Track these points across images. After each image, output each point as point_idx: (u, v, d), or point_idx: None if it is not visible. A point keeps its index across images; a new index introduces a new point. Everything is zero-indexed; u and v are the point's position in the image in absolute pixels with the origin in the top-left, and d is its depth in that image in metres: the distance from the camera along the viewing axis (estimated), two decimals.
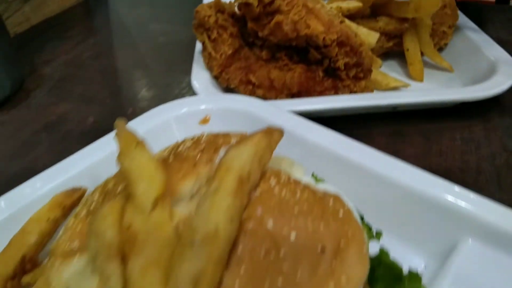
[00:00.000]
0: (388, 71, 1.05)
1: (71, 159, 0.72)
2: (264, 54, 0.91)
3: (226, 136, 0.52)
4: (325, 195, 0.44)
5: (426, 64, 1.06)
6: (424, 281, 0.48)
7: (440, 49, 1.11)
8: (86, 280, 0.38)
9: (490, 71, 0.93)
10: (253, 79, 0.89)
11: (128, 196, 0.40)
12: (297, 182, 0.45)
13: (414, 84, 1.01)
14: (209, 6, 0.95)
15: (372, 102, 0.83)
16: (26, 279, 0.59)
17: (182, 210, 0.41)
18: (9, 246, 0.62)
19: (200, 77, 0.95)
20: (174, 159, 0.47)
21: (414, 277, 0.46)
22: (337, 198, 0.45)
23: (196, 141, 0.51)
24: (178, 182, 0.44)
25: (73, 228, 0.46)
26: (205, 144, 0.50)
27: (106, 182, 0.49)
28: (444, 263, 0.56)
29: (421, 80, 1.02)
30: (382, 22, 1.01)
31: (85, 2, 1.80)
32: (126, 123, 0.47)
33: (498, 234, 0.55)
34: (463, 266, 0.55)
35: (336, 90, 0.88)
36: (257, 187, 0.43)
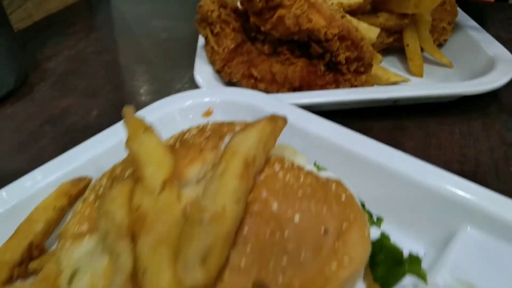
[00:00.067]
0: (388, 66, 1.06)
1: (73, 152, 0.73)
2: (266, 48, 0.92)
3: (230, 124, 0.53)
4: (328, 181, 0.46)
5: (425, 60, 1.07)
6: (423, 268, 0.49)
7: (440, 45, 1.12)
8: (96, 260, 0.39)
9: (489, 67, 0.94)
10: (255, 73, 0.91)
11: (136, 179, 0.41)
12: (300, 168, 0.46)
13: (414, 79, 1.03)
14: (212, 1, 0.96)
15: (373, 95, 0.84)
16: (33, 265, 0.60)
17: (189, 193, 0.42)
18: (16, 234, 0.63)
19: (202, 71, 0.96)
20: (181, 146, 0.49)
21: (415, 260, 0.47)
22: (339, 183, 0.46)
23: (202, 129, 0.53)
24: (185, 167, 0.45)
25: (82, 212, 0.47)
26: (210, 132, 0.51)
27: (113, 168, 0.50)
28: (443, 251, 0.57)
29: (421, 75, 1.03)
30: (383, 18, 1.02)
31: None
32: (134, 110, 0.48)
33: (496, 222, 0.57)
34: (462, 253, 0.56)
35: (337, 84, 0.89)
36: (261, 172, 0.44)
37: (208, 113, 0.80)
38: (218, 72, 0.96)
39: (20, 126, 0.99)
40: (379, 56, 1.05)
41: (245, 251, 0.37)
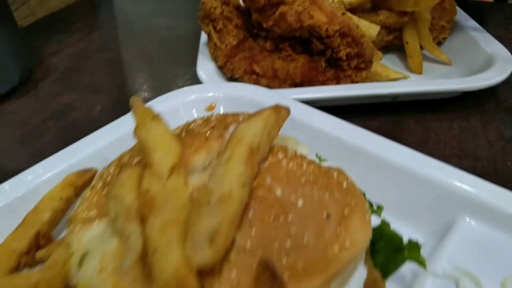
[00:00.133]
0: (388, 64, 1.07)
1: (78, 144, 0.75)
2: (268, 45, 0.94)
3: (235, 115, 0.54)
4: (330, 169, 0.47)
5: (425, 58, 1.08)
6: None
7: (439, 43, 1.14)
8: (106, 242, 0.40)
9: (487, 64, 0.95)
10: (257, 69, 0.92)
11: (145, 165, 0.42)
12: (303, 157, 0.48)
13: (413, 76, 1.04)
14: None
15: (373, 91, 0.85)
16: (40, 254, 0.62)
17: (196, 180, 0.43)
18: (23, 223, 0.64)
19: (205, 67, 0.98)
20: (186, 135, 0.50)
21: (414, 246, 0.48)
22: (340, 172, 0.47)
23: (207, 119, 0.54)
24: (191, 155, 0.46)
25: (90, 199, 0.48)
26: (215, 122, 0.52)
27: (121, 156, 0.52)
28: (442, 241, 0.59)
29: (420, 72, 1.05)
30: (383, 15, 1.03)
31: None
32: (142, 100, 0.49)
33: (494, 213, 0.58)
34: (460, 243, 0.57)
35: (338, 80, 0.90)
36: (265, 160, 0.45)
37: (211, 108, 0.81)
38: (221, 68, 0.97)
39: (25, 121, 1.00)
40: (379, 53, 1.06)
41: (250, 233, 0.38)
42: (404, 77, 1.00)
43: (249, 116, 0.48)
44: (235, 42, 0.94)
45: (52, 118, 1.00)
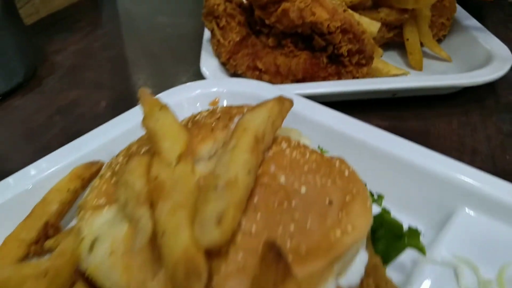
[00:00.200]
0: (389, 60, 1.08)
1: (84, 138, 0.76)
2: (270, 41, 0.95)
3: (239, 107, 0.56)
4: (332, 158, 0.48)
5: (425, 55, 1.10)
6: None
7: (439, 41, 1.15)
8: (116, 227, 0.41)
9: (486, 61, 0.97)
10: (259, 65, 0.93)
11: (153, 153, 0.44)
12: (305, 146, 0.49)
13: (413, 73, 1.05)
14: None
15: (373, 86, 0.87)
16: (48, 243, 0.63)
17: (202, 168, 0.45)
18: (32, 214, 0.66)
19: (208, 63, 0.99)
20: (193, 126, 0.51)
21: (414, 233, 0.50)
22: (342, 161, 0.48)
23: (212, 111, 0.55)
24: (197, 144, 0.48)
25: (99, 188, 0.50)
26: (220, 113, 0.54)
27: (129, 146, 0.53)
28: (441, 230, 0.60)
29: (420, 69, 1.06)
30: (383, 13, 1.05)
31: None
32: (149, 91, 0.51)
33: (493, 203, 0.59)
34: (459, 232, 0.59)
35: (339, 76, 0.92)
36: (270, 149, 0.47)
37: (214, 103, 0.82)
38: (224, 64, 0.99)
39: (31, 117, 1.01)
40: (380, 50, 1.08)
41: (255, 218, 0.39)
42: (405, 73, 1.01)
43: (254, 107, 0.49)
44: (238, 39, 0.95)
45: (57, 114, 1.02)
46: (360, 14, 1.03)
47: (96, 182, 0.51)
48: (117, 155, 0.53)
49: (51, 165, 0.72)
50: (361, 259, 0.43)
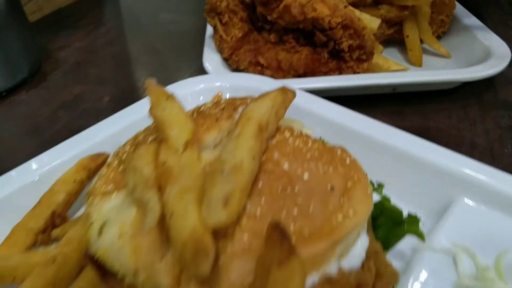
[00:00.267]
0: (389, 57, 1.09)
1: (90, 131, 0.78)
2: (272, 37, 0.97)
3: (243, 98, 0.57)
4: (333, 147, 0.50)
5: (424, 51, 1.11)
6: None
7: (438, 37, 1.16)
8: (125, 211, 0.43)
9: (485, 57, 0.98)
10: (261, 60, 0.95)
11: (161, 140, 0.45)
12: (308, 136, 0.51)
13: (413, 69, 1.07)
14: None
15: (374, 81, 0.88)
16: (56, 232, 0.65)
17: (208, 156, 0.46)
18: (39, 204, 0.67)
19: (211, 59, 1.00)
20: (198, 116, 0.53)
21: (413, 220, 0.51)
22: (343, 150, 0.50)
23: (216, 102, 0.57)
24: (203, 133, 0.49)
25: (107, 176, 0.51)
26: (224, 104, 0.55)
27: (136, 136, 0.54)
28: (440, 219, 0.61)
29: (420, 65, 1.08)
30: (384, 9, 1.06)
31: None
32: (155, 81, 0.52)
33: (491, 193, 0.61)
34: (458, 221, 0.60)
35: (340, 71, 0.93)
36: (273, 137, 0.48)
37: (217, 97, 0.84)
38: (226, 60, 1.00)
39: (36, 112, 1.03)
40: (380, 46, 1.09)
41: (260, 202, 0.41)
42: (404, 69, 1.02)
43: (258, 97, 0.51)
44: (240, 35, 0.97)
45: (61, 109, 1.03)
46: (360, 11, 1.04)
47: (103, 170, 0.52)
48: (124, 145, 0.55)
49: (57, 157, 0.73)
50: (362, 242, 0.45)
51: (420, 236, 0.51)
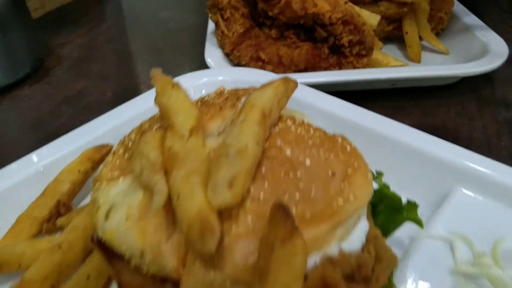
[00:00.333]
0: (388, 53, 1.11)
1: (93, 123, 0.79)
2: (273, 33, 0.98)
3: (245, 89, 0.59)
4: (334, 135, 0.51)
5: (423, 48, 1.13)
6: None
7: (437, 34, 1.18)
8: (131, 195, 0.44)
9: (483, 53, 0.99)
10: (263, 56, 0.96)
11: (167, 127, 0.46)
12: (309, 124, 0.52)
13: (412, 65, 1.08)
14: None
15: (373, 76, 0.89)
16: (60, 220, 0.66)
17: (212, 143, 0.47)
18: (44, 193, 0.68)
19: (213, 54, 1.02)
20: (202, 105, 0.54)
21: (412, 206, 0.52)
22: (344, 138, 0.51)
23: (220, 93, 0.58)
24: (207, 121, 0.50)
25: (113, 163, 0.52)
26: (228, 94, 0.57)
27: (141, 125, 0.55)
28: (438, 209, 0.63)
29: (419, 61, 1.09)
30: (383, 6, 1.08)
31: None
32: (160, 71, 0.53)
33: (488, 183, 0.62)
34: (455, 210, 0.61)
35: (340, 67, 0.95)
36: (276, 125, 0.49)
37: (220, 90, 0.85)
38: (228, 55, 1.02)
39: (38, 106, 1.04)
40: (379, 43, 1.11)
41: (263, 186, 0.42)
42: (403, 65, 1.04)
43: (260, 87, 0.52)
44: (241, 30, 0.98)
45: (65, 103, 1.04)
46: (360, 7, 1.05)
47: (109, 158, 0.54)
48: (129, 133, 0.56)
49: (60, 150, 0.74)
50: (362, 227, 0.46)
51: (419, 223, 0.53)
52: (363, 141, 0.70)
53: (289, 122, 0.51)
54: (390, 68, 0.98)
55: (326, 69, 0.95)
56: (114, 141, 0.72)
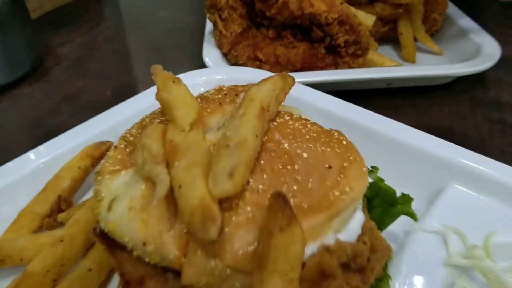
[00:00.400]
0: (383, 54, 1.13)
1: (93, 120, 0.80)
2: (270, 33, 1.00)
3: (244, 86, 0.60)
4: (331, 130, 0.52)
5: (418, 49, 1.14)
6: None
7: (431, 35, 1.20)
8: (133, 187, 0.45)
9: (476, 54, 1.01)
10: (260, 55, 0.98)
11: (168, 120, 0.47)
12: (307, 119, 0.53)
13: (407, 65, 1.10)
14: None
15: (369, 75, 0.91)
16: (61, 216, 0.67)
17: (212, 138, 0.48)
18: (45, 189, 0.69)
19: (211, 54, 1.03)
20: (202, 100, 0.55)
21: (406, 199, 0.54)
22: (340, 133, 0.53)
23: (219, 89, 0.59)
24: (207, 116, 0.52)
25: (114, 157, 0.53)
26: (227, 90, 0.58)
27: (143, 120, 0.57)
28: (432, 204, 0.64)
29: (413, 62, 1.11)
30: (378, 7, 1.10)
31: None
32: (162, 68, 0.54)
33: (481, 179, 0.64)
34: (449, 205, 0.63)
35: (336, 66, 0.96)
36: (274, 120, 0.51)
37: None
38: (225, 55, 1.03)
39: (39, 104, 1.05)
40: (375, 44, 1.12)
41: (262, 178, 0.43)
42: (398, 65, 1.05)
43: (259, 82, 0.53)
44: (239, 30, 1.00)
45: (64, 102, 1.05)
46: (356, 8, 1.07)
47: (111, 152, 0.54)
48: (131, 128, 0.57)
49: (60, 147, 0.75)
50: (358, 218, 0.47)
51: (412, 216, 0.54)
52: (359, 138, 0.71)
53: (287, 117, 0.52)
54: (385, 68, 1.00)
55: (322, 68, 0.96)
56: (113, 138, 0.73)
